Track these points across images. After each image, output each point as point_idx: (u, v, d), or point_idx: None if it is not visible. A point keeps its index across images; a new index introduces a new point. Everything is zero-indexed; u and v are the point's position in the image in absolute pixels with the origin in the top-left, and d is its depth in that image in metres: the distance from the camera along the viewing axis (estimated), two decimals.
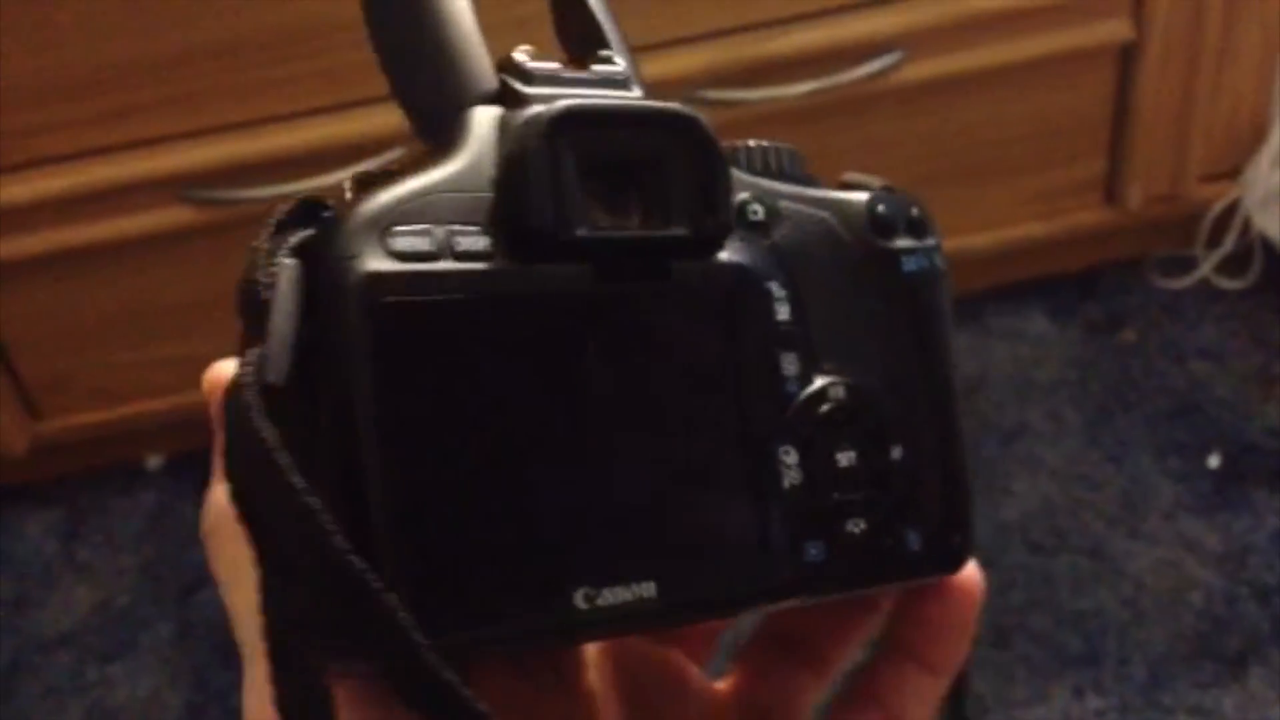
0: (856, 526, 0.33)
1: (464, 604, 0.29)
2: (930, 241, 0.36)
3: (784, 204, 0.34)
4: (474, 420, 0.29)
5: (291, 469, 0.27)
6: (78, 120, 1.16)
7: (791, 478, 0.33)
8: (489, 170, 0.30)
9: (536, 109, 0.31)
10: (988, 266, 1.39)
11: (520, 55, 0.32)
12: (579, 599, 0.30)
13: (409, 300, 0.29)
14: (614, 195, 0.31)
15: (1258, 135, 1.35)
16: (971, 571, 0.36)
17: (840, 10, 1.20)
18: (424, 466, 0.29)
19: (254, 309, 0.28)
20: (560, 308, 0.30)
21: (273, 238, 0.29)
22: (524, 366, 0.30)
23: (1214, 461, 1.29)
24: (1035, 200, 1.35)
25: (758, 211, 0.34)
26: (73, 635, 1.26)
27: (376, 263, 0.28)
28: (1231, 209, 1.39)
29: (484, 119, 0.31)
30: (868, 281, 0.35)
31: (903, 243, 0.35)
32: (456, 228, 0.30)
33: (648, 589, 0.30)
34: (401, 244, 0.29)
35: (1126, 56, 1.28)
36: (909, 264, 0.35)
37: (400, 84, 0.33)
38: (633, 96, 0.33)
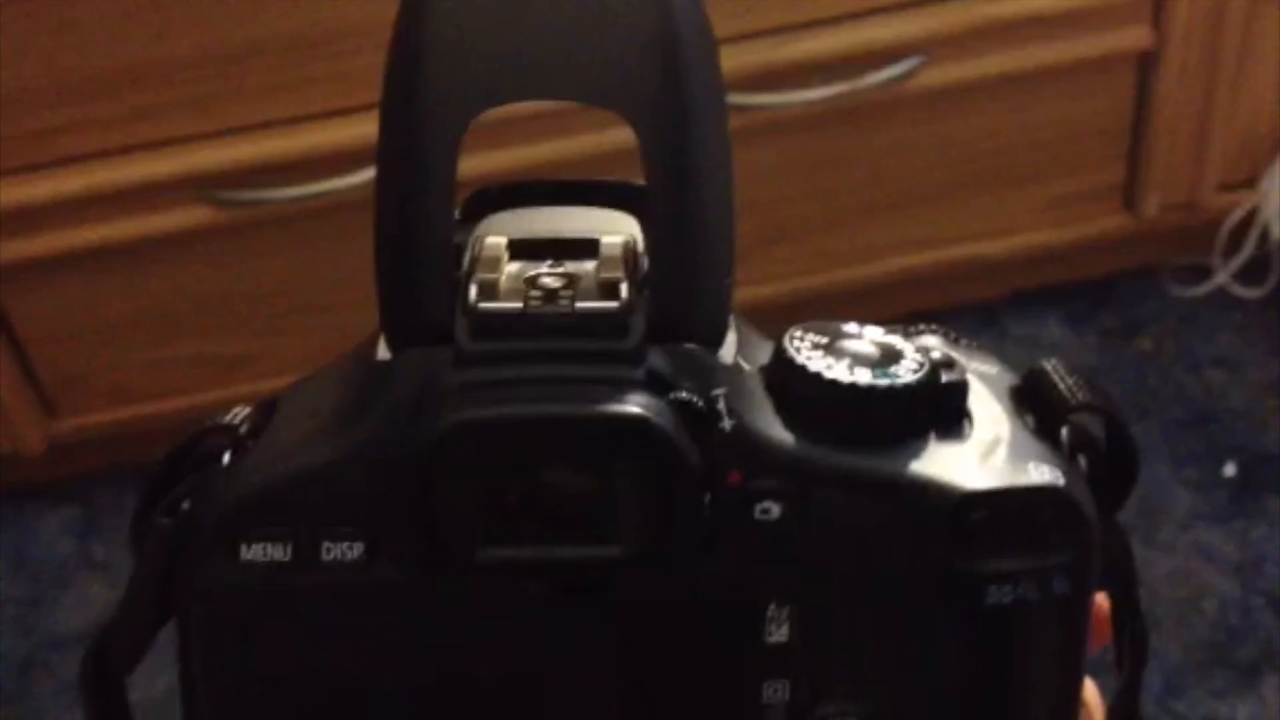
0: None
1: None
2: (1050, 561, 0.27)
3: (821, 493, 0.27)
4: None
5: None
6: (98, 120, 1.16)
7: None
8: (390, 451, 0.26)
9: (431, 417, 0.25)
10: (1005, 273, 1.39)
11: (479, 280, 0.27)
12: None
13: (251, 617, 0.27)
14: (538, 506, 0.26)
15: (1276, 144, 1.35)
16: None
17: (860, 15, 1.19)
18: None
19: (132, 551, 0.28)
20: (447, 626, 0.27)
21: (160, 479, 0.28)
22: (393, 677, 0.27)
23: (1230, 471, 1.28)
24: (1053, 207, 1.35)
25: (770, 510, 0.27)
26: (88, 633, 1.25)
27: (214, 576, 0.26)
28: (1249, 218, 1.38)
29: (407, 375, 0.26)
30: (928, 604, 0.27)
31: (996, 564, 0.27)
32: (330, 529, 0.26)
33: None
34: (254, 553, 0.26)
35: (1145, 64, 1.28)
36: (996, 595, 0.27)
37: (377, 283, 0.28)
38: (585, 377, 0.26)
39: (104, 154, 1.17)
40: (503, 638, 0.27)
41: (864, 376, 0.27)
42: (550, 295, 0.27)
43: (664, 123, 0.26)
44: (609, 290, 0.26)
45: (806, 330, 0.28)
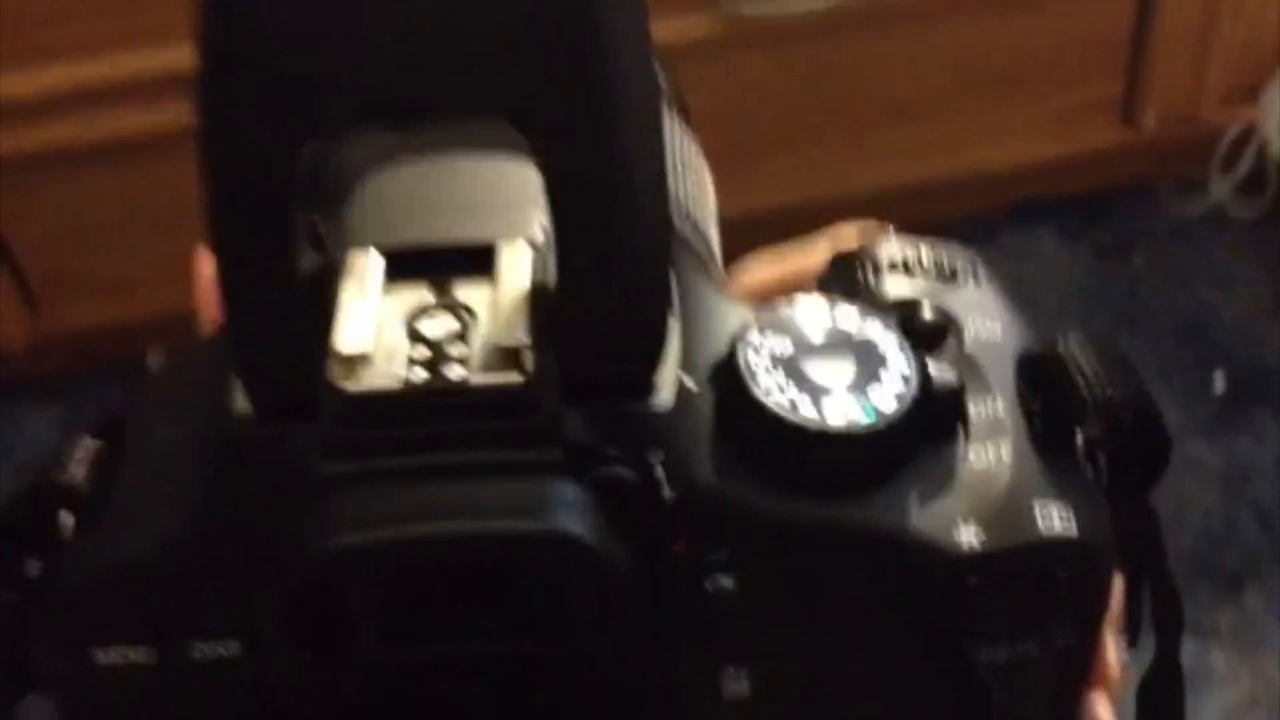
0: None
1: None
2: (1056, 617, 0.23)
3: (788, 557, 0.22)
4: None
5: None
6: (85, 11, 1.14)
7: None
8: (260, 552, 0.22)
9: (303, 548, 0.21)
10: (1001, 186, 1.38)
11: (340, 357, 0.21)
12: None
13: (113, 716, 0.23)
14: (428, 603, 0.22)
15: (1278, 57, 1.33)
16: None
17: None
18: None
19: None
20: (341, 712, 0.23)
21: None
22: None
23: (1219, 384, 1.29)
24: (1051, 120, 1.34)
25: (723, 582, 0.22)
26: None
27: (71, 681, 0.23)
28: (1247, 133, 1.37)
29: (273, 463, 0.22)
30: (917, 659, 0.24)
31: (993, 627, 0.23)
32: (199, 628, 0.22)
33: None
34: (112, 656, 0.22)
35: None
36: (990, 654, 0.23)
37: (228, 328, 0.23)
38: (495, 466, 0.21)
39: (92, 49, 1.15)
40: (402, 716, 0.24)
41: (836, 416, 0.22)
42: (436, 356, 0.22)
43: (576, 128, 0.21)
44: (510, 357, 0.21)
45: (764, 332, 0.24)
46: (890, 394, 0.23)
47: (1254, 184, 1.41)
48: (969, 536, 0.23)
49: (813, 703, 0.24)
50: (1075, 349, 0.25)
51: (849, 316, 0.24)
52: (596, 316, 0.22)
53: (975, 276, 0.27)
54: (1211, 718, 1.09)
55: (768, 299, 0.25)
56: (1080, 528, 0.23)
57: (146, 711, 0.23)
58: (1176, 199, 1.44)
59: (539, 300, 0.22)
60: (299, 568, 0.21)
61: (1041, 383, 0.25)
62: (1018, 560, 0.23)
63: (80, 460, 0.24)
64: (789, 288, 0.27)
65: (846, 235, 0.29)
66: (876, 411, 0.22)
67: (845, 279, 0.26)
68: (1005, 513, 0.23)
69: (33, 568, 0.23)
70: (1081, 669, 0.25)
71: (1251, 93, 1.36)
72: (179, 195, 1.26)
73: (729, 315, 0.24)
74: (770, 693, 0.24)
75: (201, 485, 0.23)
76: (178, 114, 1.14)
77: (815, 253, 0.28)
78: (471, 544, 0.21)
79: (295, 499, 0.21)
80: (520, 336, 0.21)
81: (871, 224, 0.29)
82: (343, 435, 0.21)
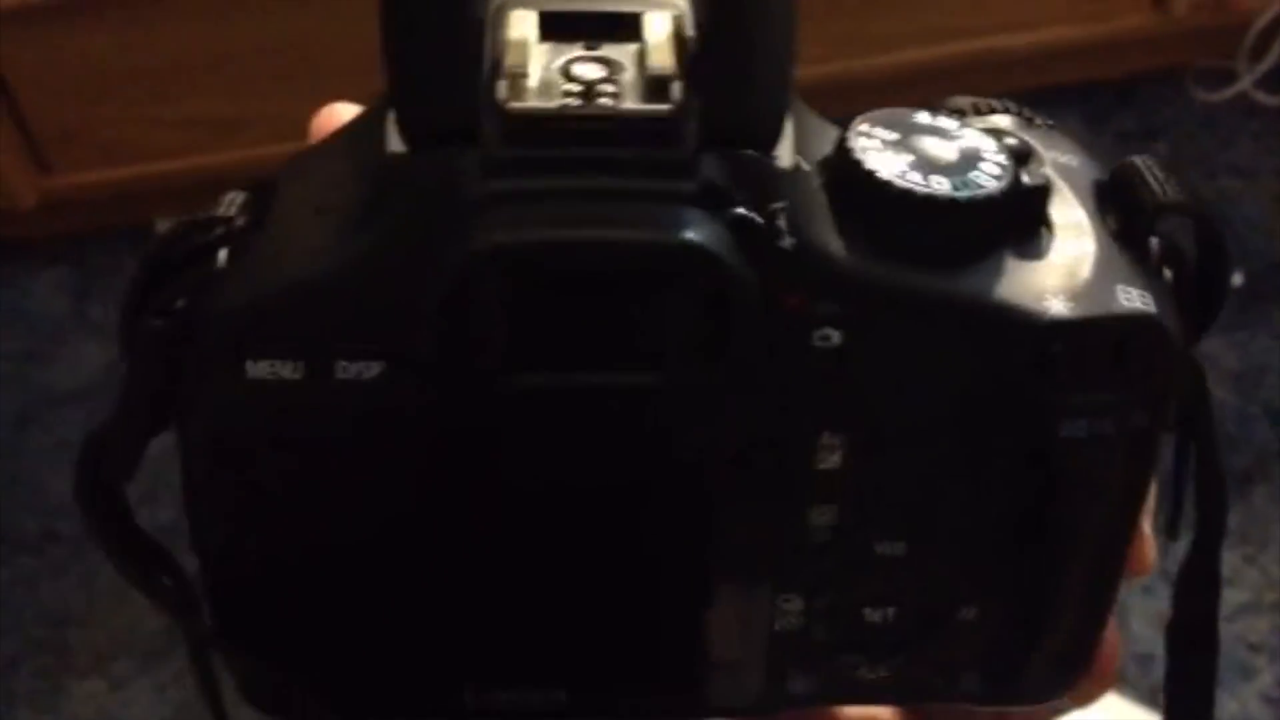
0: (874, 672, 0.28)
1: (340, 691, 0.27)
2: (1132, 394, 0.25)
3: (884, 321, 0.24)
4: (341, 538, 0.26)
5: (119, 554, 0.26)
6: None
7: (786, 623, 0.27)
8: (412, 266, 0.23)
9: (460, 248, 0.23)
10: (1027, 69, 1.35)
11: (508, 71, 0.23)
12: (468, 696, 0.28)
13: (259, 433, 0.25)
14: (575, 331, 0.24)
15: None
16: (1107, 660, 0.29)
17: None
18: (280, 568, 0.27)
19: (121, 352, 0.25)
20: (468, 447, 0.25)
21: (145, 280, 0.25)
22: (411, 492, 0.26)
23: (1237, 280, 1.27)
24: (1080, 1, 1.31)
25: (828, 337, 0.24)
26: (83, 391, 1.27)
27: (221, 391, 0.24)
28: (1277, 21, 1.35)
29: (428, 181, 0.23)
30: (995, 436, 0.25)
31: (1076, 398, 0.25)
32: (344, 346, 0.24)
33: (556, 694, 0.28)
34: (261, 370, 0.24)
35: None
36: (1070, 428, 0.25)
37: (386, 66, 0.24)
38: (629, 190, 0.23)
39: None
40: (531, 463, 0.26)
41: (941, 185, 0.24)
42: (589, 91, 0.23)
43: None
44: (658, 88, 0.23)
45: (874, 123, 0.25)
46: (988, 176, 0.24)
47: None
48: (1057, 306, 0.24)
49: (898, 478, 0.26)
50: (1148, 161, 0.26)
51: (948, 122, 0.26)
52: (734, 67, 0.23)
53: (1048, 124, 0.28)
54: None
55: None
56: (1158, 309, 0.25)
57: (288, 431, 0.25)
58: (1204, 86, 1.42)
59: (682, 53, 0.23)
60: (449, 268, 0.23)
61: (1116, 194, 0.26)
62: (1100, 331, 0.24)
63: (234, 202, 0.25)
64: None
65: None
66: (976, 186, 0.24)
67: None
68: (1089, 289, 0.25)
69: (184, 298, 0.25)
70: (1150, 459, 0.26)
71: None
72: (193, 54, 1.25)
73: (829, 124, 0.26)
74: (857, 466, 0.25)
75: (357, 210, 0.24)
76: None
77: None
78: (616, 249, 0.23)
79: (450, 215, 0.23)
80: (669, 72, 0.23)
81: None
82: (500, 153, 0.23)
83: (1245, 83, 1.39)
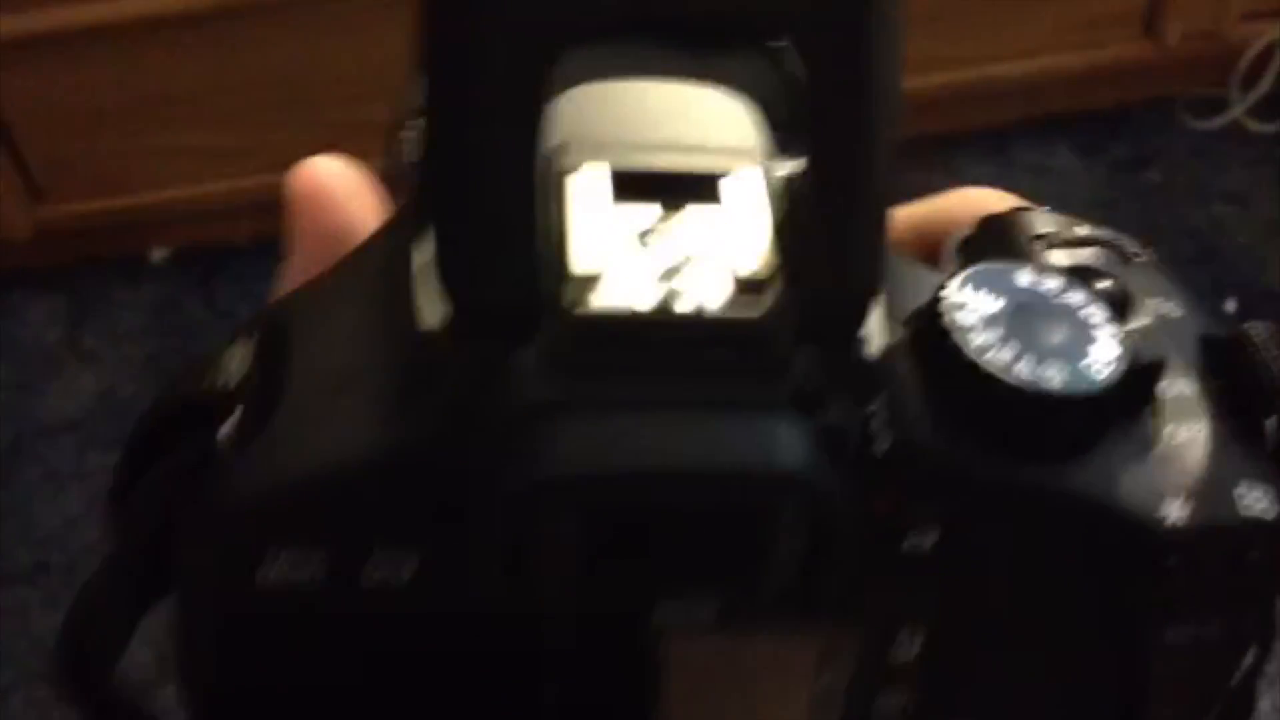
0: None
1: None
2: (1244, 603, 0.23)
3: (986, 519, 0.22)
4: None
5: None
6: None
7: None
8: (449, 461, 0.20)
9: (519, 481, 0.20)
10: (1018, 98, 1.36)
11: (572, 278, 0.20)
12: None
13: (273, 651, 0.22)
14: (641, 557, 0.21)
15: None
16: None
17: None
18: None
19: (109, 531, 0.23)
20: (507, 660, 0.23)
21: (145, 446, 0.22)
22: (446, 693, 0.23)
23: (1230, 307, 1.28)
24: (1072, 29, 1.31)
25: (922, 543, 0.22)
26: (76, 422, 1.26)
27: (230, 600, 0.21)
28: (1270, 49, 1.35)
29: (483, 380, 0.20)
30: (1096, 632, 0.23)
31: (1185, 605, 0.23)
32: (373, 543, 0.21)
33: None
34: (277, 571, 0.21)
35: None
36: (1174, 636, 0.23)
37: (438, 237, 0.21)
38: (720, 414, 0.20)
39: None
40: (577, 673, 0.23)
41: (1052, 379, 0.22)
42: (670, 284, 0.20)
43: (842, 49, 0.20)
44: (748, 287, 0.20)
45: (973, 285, 0.23)
46: (1102, 364, 0.22)
47: (1274, 102, 1.39)
48: (1175, 511, 0.22)
49: (976, 670, 0.24)
50: (1263, 335, 0.24)
51: (1051, 281, 0.23)
52: (835, 253, 0.21)
53: (1143, 256, 0.26)
54: None
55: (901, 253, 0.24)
56: (1278, 511, 0.23)
57: (306, 641, 0.22)
58: (1195, 116, 1.42)
59: (775, 231, 0.20)
60: (509, 493, 0.20)
61: (1227, 366, 0.24)
62: (1219, 539, 0.22)
63: (236, 359, 0.23)
64: (922, 244, 0.27)
65: (978, 199, 0.28)
66: (1090, 379, 0.22)
67: (999, 243, 0.25)
68: (1207, 490, 0.22)
69: (179, 479, 0.22)
70: (1238, 664, 0.24)
71: (1275, 9, 1.34)
72: (189, 84, 1.25)
73: (912, 264, 0.24)
74: (936, 658, 0.23)
75: (391, 400, 0.21)
76: None
77: (944, 210, 0.27)
78: (703, 483, 0.20)
79: (504, 420, 0.20)
80: (758, 267, 0.20)
81: (999, 192, 0.28)
82: (566, 358, 0.20)
83: (1237, 111, 1.40)
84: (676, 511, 0.20)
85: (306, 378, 0.22)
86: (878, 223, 0.21)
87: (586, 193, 0.20)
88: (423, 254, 0.21)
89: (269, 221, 1.30)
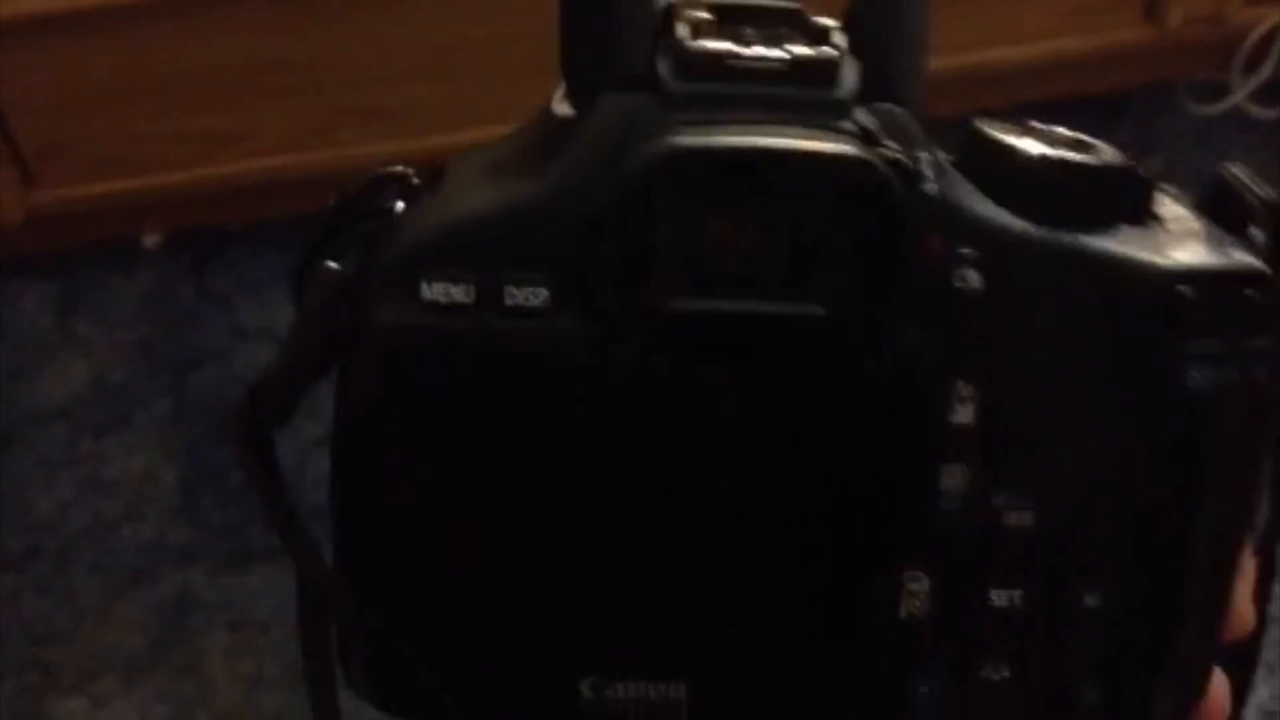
0: (996, 673, 0.28)
1: (456, 674, 0.27)
2: (1251, 344, 0.26)
3: (1023, 267, 0.26)
4: (488, 495, 0.26)
5: (275, 503, 0.26)
6: None
7: (913, 607, 0.27)
8: (580, 195, 0.25)
9: (643, 149, 0.24)
10: (1021, 82, 1.35)
11: (686, 21, 0.25)
12: (585, 688, 0.27)
13: (429, 360, 0.26)
14: (738, 256, 0.25)
15: None
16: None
17: None
18: (421, 529, 0.27)
19: (295, 300, 0.27)
20: (623, 389, 0.26)
21: (330, 223, 0.27)
22: (565, 444, 0.26)
23: None
24: (1074, 13, 1.31)
25: (970, 279, 0.26)
26: (68, 408, 1.26)
27: (396, 312, 0.25)
28: (1272, 34, 1.35)
29: (605, 117, 0.25)
30: (1127, 388, 0.26)
31: (1201, 345, 0.26)
32: (515, 274, 0.25)
33: (675, 689, 0.27)
34: (434, 293, 0.25)
35: None
36: (1198, 378, 0.26)
37: (562, 32, 0.26)
38: (797, 118, 0.25)
39: None
40: (675, 404, 0.26)
41: (1067, 154, 0.27)
42: (760, 37, 0.25)
43: None
44: (820, 36, 0.26)
45: (991, 120, 0.27)
46: (1108, 154, 0.27)
47: (1276, 87, 1.38)
48: (1181, 256, 0.26)
49: (1028, 439, 0.27)
50: (1240, 170, 0.29)
51: (1059, 129, 0.28)
52: (887, 31, 0.26)
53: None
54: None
55: None
56: (1270, 270, 0.27)
57: (457, 361, 0.26)
58: (1196, 101, 1.41)
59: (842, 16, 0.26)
60: (626, 178, 0.24)
61: (1214, 198, 0.28)
62: (1220, 278, 0.26)
63: (408, 169, 0.27)
64: None
65: None
66: (1100, 156, 0.27)
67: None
68: (1206, 249, 0.27)
69: (361, 241, 0.26)
70: (1271, 421, 0.27)
71: None
72: (181, 68, 1.24)
73: (941, 125, 0.28)
74: (989, 422, 0.26)
75: (528, 162, 0.26)
76: None
77: None
78: (787, 158, 0.24)
79: (628, 140, 0.25)
80: (830, 24, 0.26)
81: None
82: (678, 87, 0.25)
83: (1239, 96, 1.39)
84: (756, 205, 0.24)
85: (461, 172, 0.27)
86: (922, 19, 0.27)
87: (689, 8, 0.26)
88: (558, 101, 0.26)
89: (263, 207, 1.30)
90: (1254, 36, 1.35)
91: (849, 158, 0.25)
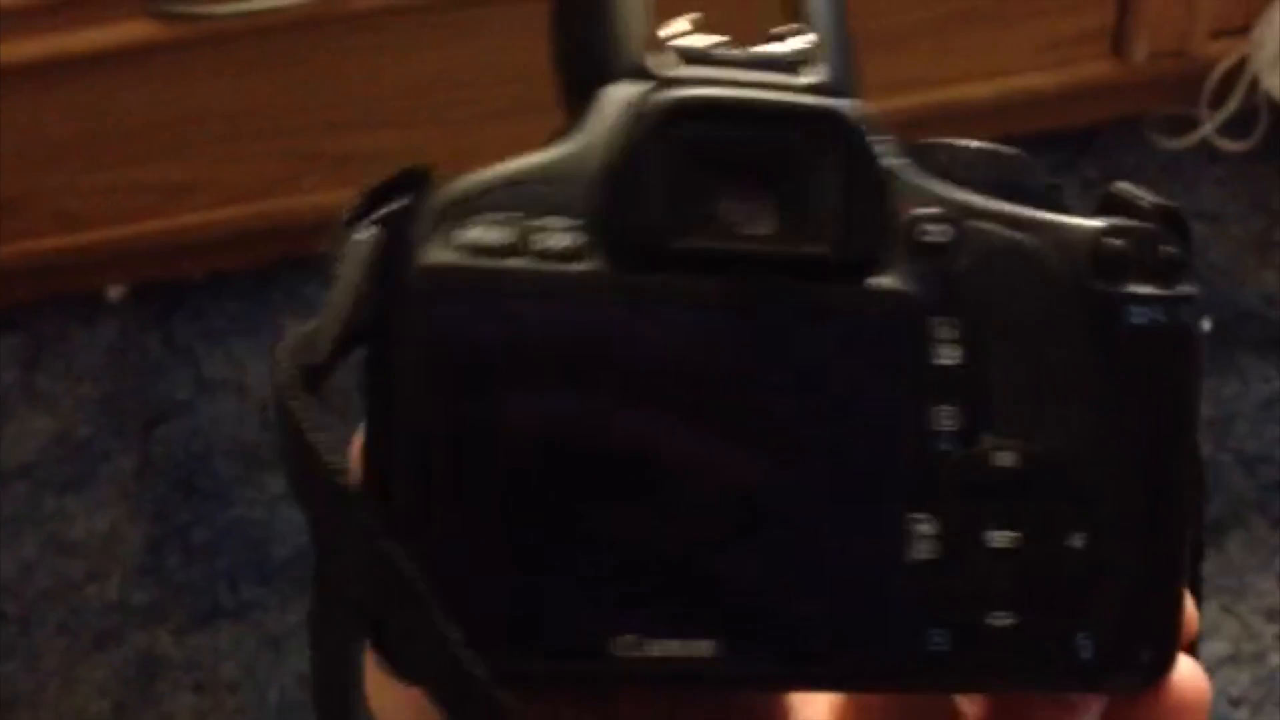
0: (1001, 620, 0.29)
1: (486, 632, 0.27)
2: (1181, 290, 0.30)
3: (979, 224, 0.29)
4: (522, 438, 0.28)
5: (326, 451, 0.27)
6: None
7: (921, 551, 0.29)
8: (601, 158, 0.28)
9: (655, 96, 0.28)
10: (988, 119, 1.35)
11: (674, 27, 0.29)
12: (619, 646, 0.28)
13: (467, 297, 0.27)
14: (741, 201, 0.28)
15: None
16: (1191, 683, 0.30)
17: None
18: (456, 477, 0.27)
19: (329, 278, 0.28)
20: (649, 327, 0.28)
21: (360, 205, 0.28)
22: (593, 386, 0.28)
23: (1205, 326, 1.27)
24: (1042, 49, 1.31)
25: (936, 233, 0.29)
26: (31, 466, 1.24)
27: (437, 253, 0.27)
28: (1238, 67, 1.35)
29: (614, 99, 0.28)
30: (1078, 331, 0.29)
31: (1134, 288, 0.29)
32: (546, 221, 0.28)
33: (703, 647, 0.28)
34: (471, 235, 0.27)
35: None
36: (1137, 316, 0.29)
37: (554, 42, 0.30)
38: (784, 85, 0.29)
39: None
40: (681, 342, 0.28)
41: (997, 146, 0.30)
42: (737, 43, 0.29)
43: None
44: (790, 35, 0.29)
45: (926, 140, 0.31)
46: (1032, 159, 0.31)
47: (1243, 120, 1.39)
48: (1100, 220, 0.30)
49: (1009, 379, 0.29)
50: (1127, 185, 0.31)
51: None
52: (840, 53, 0.30)
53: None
54: None
55: None
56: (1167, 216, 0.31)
57: (489, 300, 0.27)
58: (1165, 134, 1.41)
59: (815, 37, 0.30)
60: (634, 128, 0.28)
61: (1105, 212, 0.31)
62: (1142, 231, 0.30)
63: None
64: None
65: None
66: (1025, 155, 0.31)
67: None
68: (1121, 219, 0.30)
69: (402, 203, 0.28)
70: (1199, 361, 0.31)
71: (1243, 27, 1.34)
72: (138, 118, 1.23)
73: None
74: (970, 363, 0.29)
75: (551, 141, 0.28)
76: (136, 30, 1.11)
77: None
78: (777, 110, 0.28)
79: (637, 105, 0.28)
80: (806, 44, 0.30)
81: None
82: (675, 72, 0.28)
83: (1207, 129, 1.39)
84: (748, 156, 0.28)
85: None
86: (854, 53, 0.30)
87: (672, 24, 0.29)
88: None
89: (226, 257, 1.28)
90: (1219, 70, 1.36)
91: (832, 109, 0.28)
